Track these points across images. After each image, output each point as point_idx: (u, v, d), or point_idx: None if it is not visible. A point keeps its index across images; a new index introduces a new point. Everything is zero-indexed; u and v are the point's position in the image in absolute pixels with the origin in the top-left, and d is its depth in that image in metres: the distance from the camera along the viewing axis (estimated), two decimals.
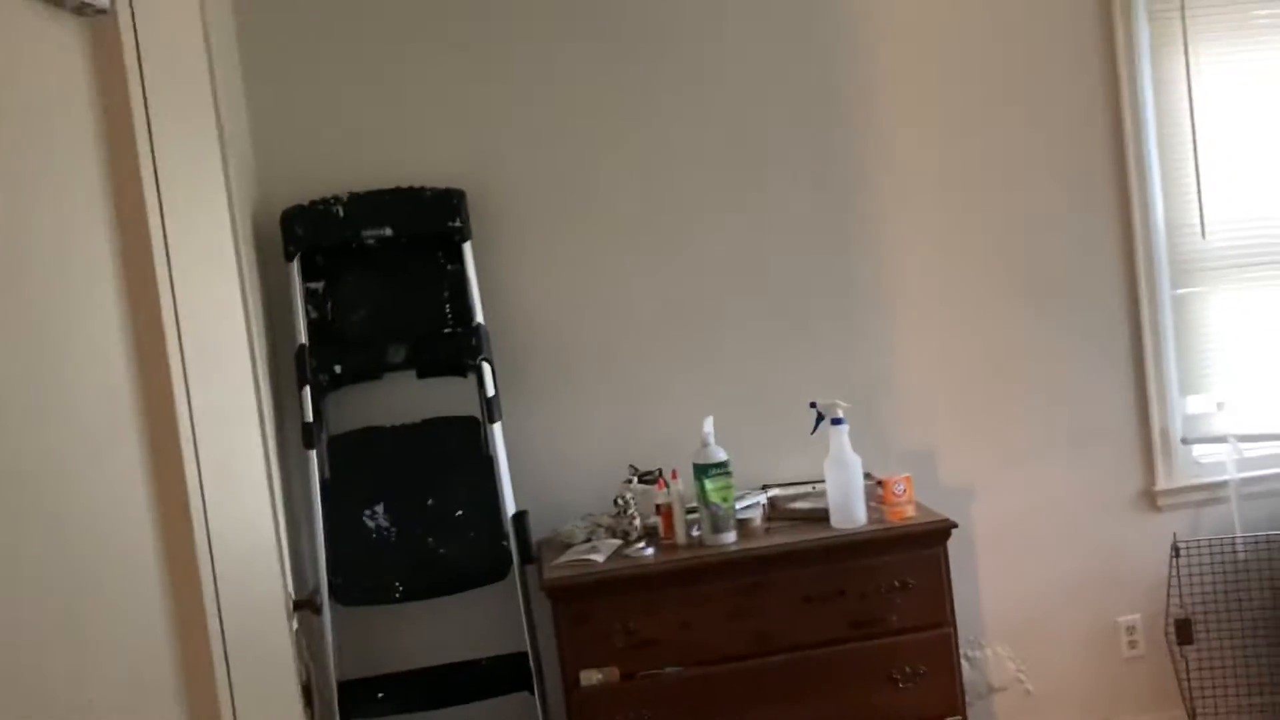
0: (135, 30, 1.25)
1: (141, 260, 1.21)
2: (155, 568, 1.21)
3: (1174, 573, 3.43)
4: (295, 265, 3.08)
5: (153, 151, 1.26)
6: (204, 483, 1.26)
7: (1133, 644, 3.51)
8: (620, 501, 3.07)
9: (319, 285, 3.14)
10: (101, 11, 1.21)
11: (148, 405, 1.23)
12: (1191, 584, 3.43)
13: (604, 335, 3.31)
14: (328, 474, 3.08)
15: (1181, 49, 3.42)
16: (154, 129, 1.27)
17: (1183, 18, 3.41)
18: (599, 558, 2.93)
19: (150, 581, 1.22)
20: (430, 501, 3.07)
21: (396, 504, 3.07)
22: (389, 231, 3.09)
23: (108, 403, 1.17)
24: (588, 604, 2.87)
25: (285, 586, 2.23)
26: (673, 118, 3.31)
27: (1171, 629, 3.43)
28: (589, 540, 3.07)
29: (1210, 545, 3.43)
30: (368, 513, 3.06)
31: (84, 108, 1.19)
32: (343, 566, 3.03)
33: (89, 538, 1.08)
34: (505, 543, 3.04)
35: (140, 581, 1.20)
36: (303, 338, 3.07)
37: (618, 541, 3.03)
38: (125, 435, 1.20)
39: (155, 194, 1.26)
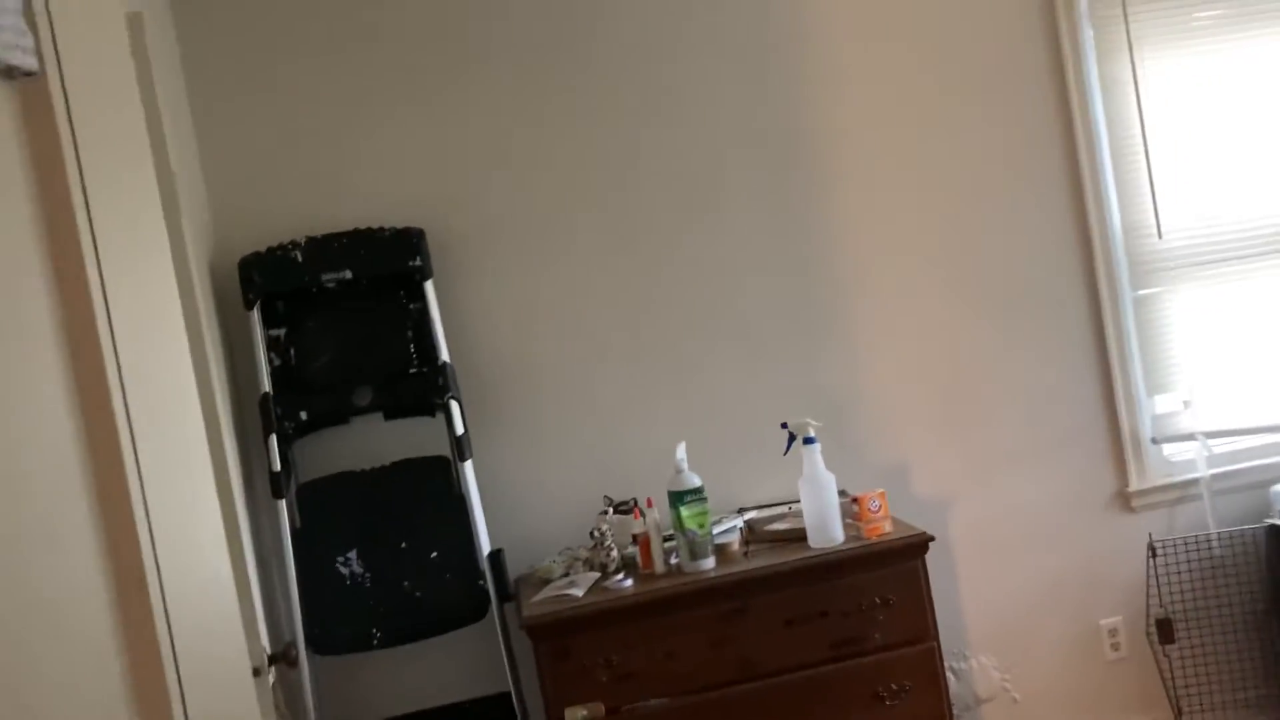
0: (65, 91, 1.24)
1: (83, 326, 1.18)
2: (112, 645, 1.18)
3: (1152, 572, 3.44)
4: (255, 313, 3.05)
5: (89, 212, 1.24)
6: (159, 552, 1.23)
7: (1115, 646, 3.51)
8: (596, 533, 3.04)
9: (281, 332, 3.11)
10: (30, 74, 1.19)
11: (96, 478, 1.20)
12: (1170, 583, 3.44)
13: (572, 367, 3.29)
14: (299, 522, 3.04)
15: (1127, 52, 3.46)
16: (89, 189, 1.24)
17: (1125, 22, 3.45)
18: (578, 592, 2.90)
19: (108, 660, 1.18)
20: (404, 544, 3.04)
21: (370, 549, 3.03)
22: (349, 274, 3.06)
23: (53, 481, 1.14)
24: (568, 640, 2.84)
25: (259, 642, 2.19)
26: (631, 146, 3.31)
27: (1153, 629, 3.43)
28: (567, 575, 3.04)
29: (1186, 543, 3.44)
30: (341, 559, 3.02)
31: (16, 171, 1.16)
32: (318, 616, 2.98)
33: (38, 623, 1.04)
34: (482, 582, 3.01)
35: (97, 661, 1.16)
36: (266, 385, 3.04)
37: (596, 574, 3.01)
38: (73, 513, 1.17)
39: (94, 255, 1.24)
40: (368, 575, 3.02)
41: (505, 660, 3.02)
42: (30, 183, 1.19)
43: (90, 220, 1.24)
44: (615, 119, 3.30)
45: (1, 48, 1.13)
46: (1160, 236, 3.49)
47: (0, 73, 1.15)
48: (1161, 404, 3.55)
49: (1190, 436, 3.50)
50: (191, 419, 1.59)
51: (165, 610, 1.22)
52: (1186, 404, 3.54)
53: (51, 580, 1.09)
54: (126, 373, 1.24)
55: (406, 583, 3.01)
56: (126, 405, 1.24)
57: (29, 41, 1.20)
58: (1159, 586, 3.44)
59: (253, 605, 2.40)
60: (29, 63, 1.18)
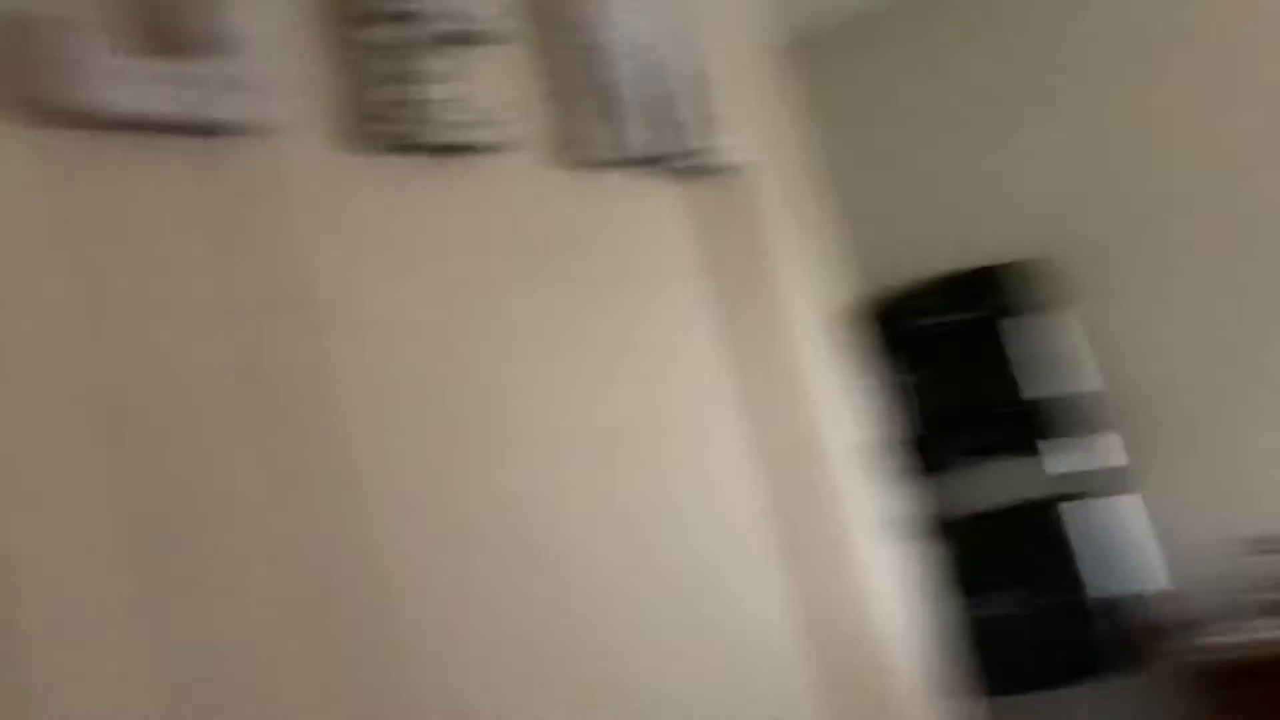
0: (756, 181, 1.45)
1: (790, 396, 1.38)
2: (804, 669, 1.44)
3: None
4: (881, 357, 3.18)
5: (778, 290, 1.44)
6: (857, 592, 1.39)
7: None
8: (1265, 573, 2.76)
9: (908, 376, 3.18)
10: (732, 171, 1.41)
11: (790, 525, 1.41)
12: None
13: (1240, 392, 2.97)
14: (940, 563, 3.09)
15: None
16: (778, 269, 1.45)
17: None
18: (1245, 637, 2.65)
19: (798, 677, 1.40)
20: (1056, 583, 2.97)
21: (1017, 589, 3.00)
22: (975, 312, 3.08)
23: (753, 531, 1.45)
24: (1239, 689, 2.59)
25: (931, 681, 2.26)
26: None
27: None
28: (1234, 619, 2.79)
29: None
30: (989, 599, 3.01)
31: (707, 261, 1.40)
32: (974, 656, 3.01)
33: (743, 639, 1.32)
34: (1140, 624, 2.86)
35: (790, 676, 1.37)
36: (895, 429, 3.15)
37: (1272, 619, 2.72)
38: (770, 561, 1.39)
39: (787, 328, 1.44)
40: (1015, 615, 2.99)
41: (1167, 709, 2.83)
42: (738, 266, 1.41)
43: (781, 300, 1.45)
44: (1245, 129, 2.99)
45: (701, 154, 1.36)
46: None
47: (701, 173, 1.38)
48: None
49: None
50: (860, 462, 1.76)
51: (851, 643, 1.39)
52: None
53: (754, 612, 1.32)
54: (821, 429, 1.43)
55: (1061, 623, 2.95)
56: (821, 453, 1.41)
57: (717, 141, 1.43)
58: None
59: (922, 647, 2.47)
60: (727, 160, 1.40)
